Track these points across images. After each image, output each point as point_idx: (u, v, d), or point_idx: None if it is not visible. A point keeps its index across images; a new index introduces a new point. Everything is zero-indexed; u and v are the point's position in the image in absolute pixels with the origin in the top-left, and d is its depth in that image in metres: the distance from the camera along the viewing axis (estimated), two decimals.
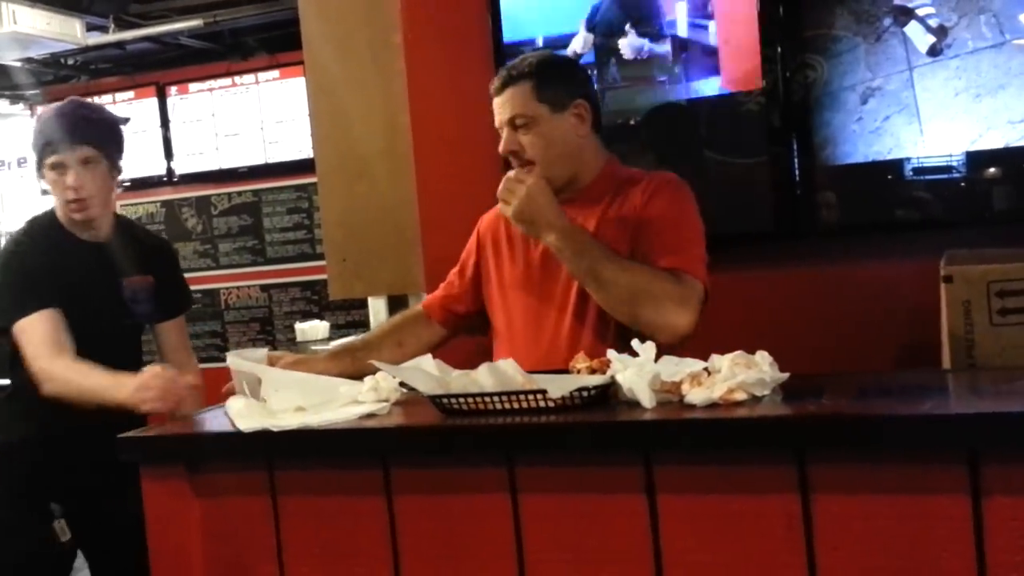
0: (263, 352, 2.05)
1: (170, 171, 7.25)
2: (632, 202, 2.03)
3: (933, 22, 2.60)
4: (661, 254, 1.91)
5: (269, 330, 7.29)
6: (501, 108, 2.05)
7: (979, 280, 1.84)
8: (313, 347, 2.80)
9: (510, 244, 2.14)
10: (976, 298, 1.84)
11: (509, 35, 3.02)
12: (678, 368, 1.55)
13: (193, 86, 7.19)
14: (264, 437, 1.63)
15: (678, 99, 2.85)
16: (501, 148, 2.05)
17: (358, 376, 1.87)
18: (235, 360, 1.88)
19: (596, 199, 2.06)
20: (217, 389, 1.95)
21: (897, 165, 2.68)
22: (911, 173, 2.67)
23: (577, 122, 2.05)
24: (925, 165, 2.66)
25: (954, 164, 2.62)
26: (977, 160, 2.60)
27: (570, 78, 2.11)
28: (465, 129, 2.87)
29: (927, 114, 2.62)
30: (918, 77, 2.62)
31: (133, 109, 7.19)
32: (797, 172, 2.75)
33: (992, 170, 2.62)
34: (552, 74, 2.06)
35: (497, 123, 2.07)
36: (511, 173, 1.98)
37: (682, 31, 2.84)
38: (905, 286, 2.57)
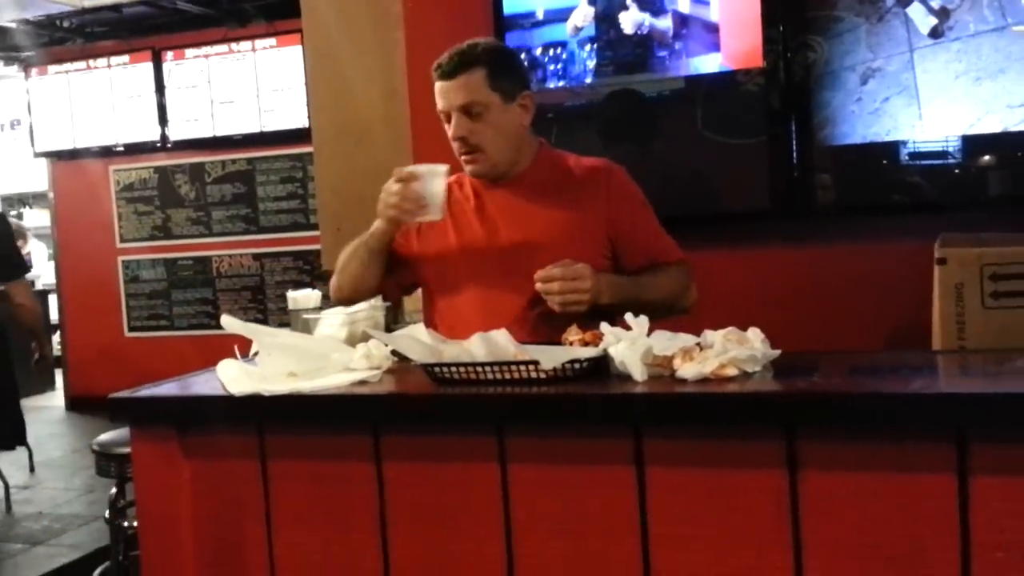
0: (445, 167, 1.99)
1: (164, 137, 7.20)
2: (596, 191, 2.08)
3: (935, 4, 2.59)
4: (662, 251, 2.11)
5: (260, 298, 7.28)
6: (453, 93, 2.03)
7: (974, 263, 1.85)
8: (305, 316, 2.76)
9: (455, 223, 2.14)
10: (969, 281, 1.85)
11: (510, 6, 3.00)
12: (671, 343, 1.55)
13: (189, 52, 7.13)
14: (255, 401, 1.63)
15: (677, 75, 2.84)
16: (452, 133, 2.05)
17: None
18: (229, 320, 1.80)
19: (538, 181, 2.11)
20: (208, 355, 1.95)
21: (895, 147, 2.68)
22: (908, 155, 2.67)
23: (522, 112, 2.08)
24: (923, 148, 2.66)
25: (951, 147, 2.63)
26: (975, 144, 2.60)
27: (518, 69, 2.15)
28: None
29: (926, 96, 2.62)
30: (919, 59, 2.62)
31: (128, 73, 7.15)
32: (795, 152, 2.75)
33: (989, 154, 2.62)
34: (504, 64, 2.07)
35: (442, 107, 2.05)
36: (560, 283, 1.89)
37: (684, 7, 2.83)
38: (899, 268, 2.58)
